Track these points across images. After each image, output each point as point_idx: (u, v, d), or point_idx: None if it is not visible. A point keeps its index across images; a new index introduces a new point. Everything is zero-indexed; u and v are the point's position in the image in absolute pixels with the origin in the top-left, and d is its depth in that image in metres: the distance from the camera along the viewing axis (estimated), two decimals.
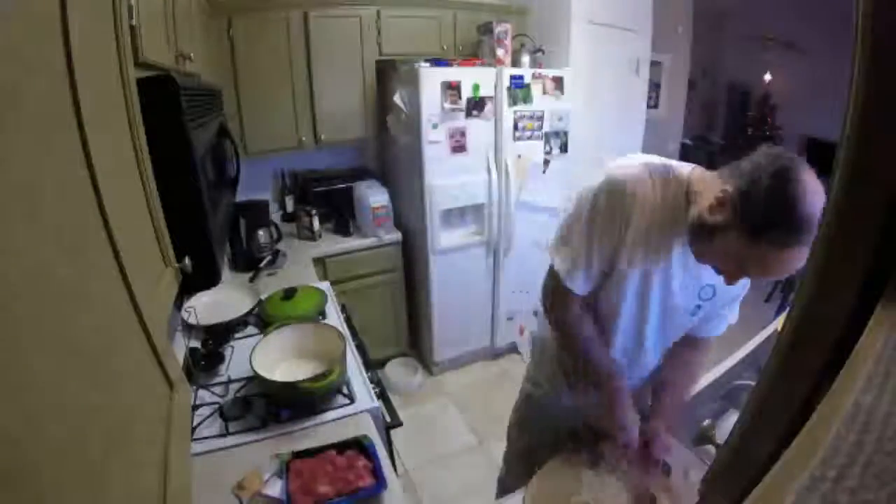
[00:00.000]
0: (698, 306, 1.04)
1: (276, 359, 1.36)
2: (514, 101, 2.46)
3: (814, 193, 0.75)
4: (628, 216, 0.93)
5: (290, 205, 2.81)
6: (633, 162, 0.96)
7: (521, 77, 2.45)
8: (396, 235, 2.66)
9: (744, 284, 1.02)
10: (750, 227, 0.80)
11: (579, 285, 1.02)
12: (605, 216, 0.95)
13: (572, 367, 1.18)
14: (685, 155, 4.44)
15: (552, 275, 1.06)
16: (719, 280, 0.94)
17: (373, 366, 1.62)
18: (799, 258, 0.77)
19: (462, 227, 2.64)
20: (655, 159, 0.97)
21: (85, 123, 0.46)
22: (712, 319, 1.11)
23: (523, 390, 1.37)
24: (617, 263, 0.98)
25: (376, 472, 1.04)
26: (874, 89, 0.28)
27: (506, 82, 2.42)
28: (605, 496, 0.99)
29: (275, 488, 1.02)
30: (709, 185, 0.89)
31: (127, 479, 0.47)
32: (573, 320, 1.07)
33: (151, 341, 0.59)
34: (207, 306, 1.63)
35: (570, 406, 1.23)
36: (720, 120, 6.23)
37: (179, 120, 0.86)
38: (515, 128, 2.51)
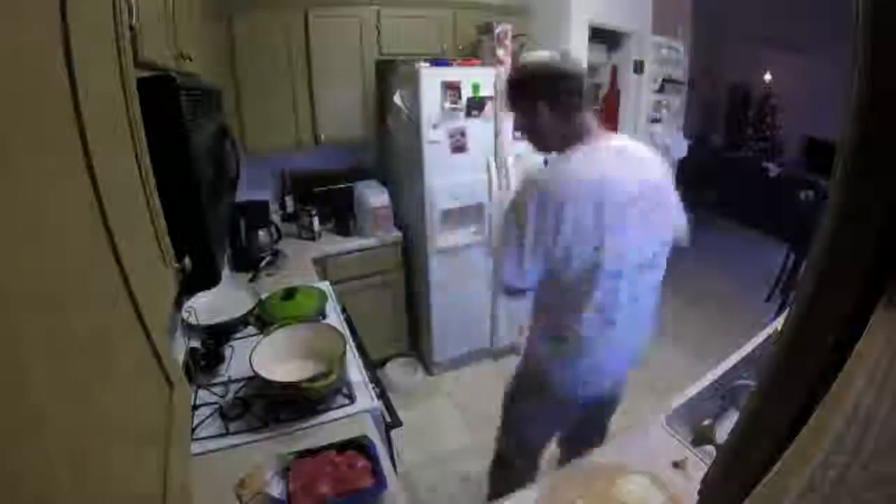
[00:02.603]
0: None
1: (277, 359, 1.36)
2: None
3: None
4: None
5: (290, 205, 2.81)
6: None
7: None
8: (396, 235, 2.66)
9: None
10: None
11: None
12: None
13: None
14: (685, 155, 4.42)
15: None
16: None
17: (373, 366, 1.62)
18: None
19: (462, 227, 2.64)
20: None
21: (85, 123, 0.46)
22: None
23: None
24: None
25: (376, 473, 1.04)
26: (874, 89, 0.28)
27: None
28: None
29: (276, 488, 1.02)
30: None
31: (127, 479, 0.47)
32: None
33: (151, 341, 0.59)
34: (207, 306, 1.63)
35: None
36: (720, 120, 6.22)
37: (179, 120, 0.86)
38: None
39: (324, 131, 2.56)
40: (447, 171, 2.42)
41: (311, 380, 1.22)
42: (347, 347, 1.47)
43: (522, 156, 2.56)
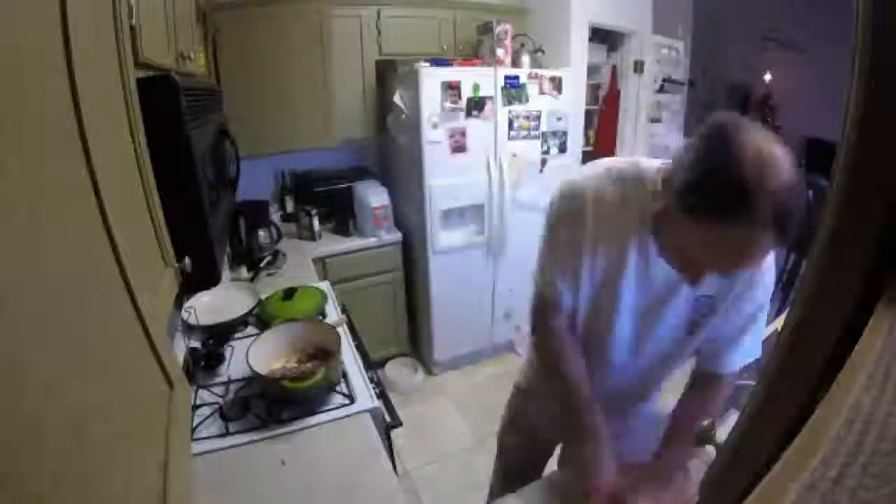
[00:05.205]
0: (694, 321, 0.89)
1: (273, 356, 1.36)
2: (508, 100, 2.46)
3: (757, 154, 0.61)
4: (583, 218, 0.85)
5: (290, 205, 2.81)
6: (595, 166, 0.89)
7: (515, 77, 2.45)
8: (396, 235, 2.66)
9: (759, 304, 0.88)
10: (684, 203, 0.67)
11: (556, 292, 0.93)
12: (564, 221, 0.89)
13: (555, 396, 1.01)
14: None
15: (534, 291, 0.99)
16: (719, 292, 0.84)
17: (373, 366, 1.61)
18: (752, 239, 0.62)
19: (462, 227, 2.64)
20: (621, 160, 0.89)
21: (85, 124, 0.46)
22: (724, 347, 0.94)
23: (515, 384, 1.29)
24: (582, 269, 0.89)
25: None
26: (874, 89, 0.28)
27: (502, 82, 2.43)
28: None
29: None
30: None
31: (127, 479, 0.47)
32: (554, 345, 0.96)
33: (151, 341, 0.59)
34: (207, 306, 1.63)
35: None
36: None
37: (179, 120, 0.86)
38: (510, 127, 2.51)
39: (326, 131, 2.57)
40: (447, 171, 2.42)
41: (297, 378, 1.22)
42: (347, 347, 1.47)
43: (518, 155, 2.57)
